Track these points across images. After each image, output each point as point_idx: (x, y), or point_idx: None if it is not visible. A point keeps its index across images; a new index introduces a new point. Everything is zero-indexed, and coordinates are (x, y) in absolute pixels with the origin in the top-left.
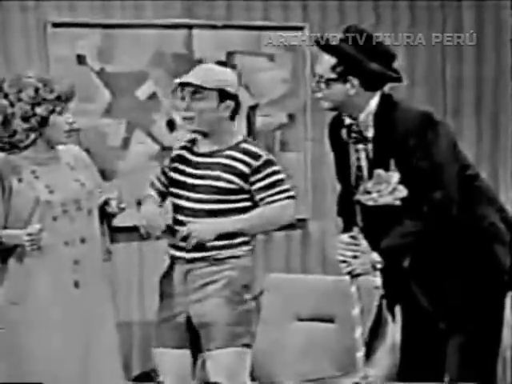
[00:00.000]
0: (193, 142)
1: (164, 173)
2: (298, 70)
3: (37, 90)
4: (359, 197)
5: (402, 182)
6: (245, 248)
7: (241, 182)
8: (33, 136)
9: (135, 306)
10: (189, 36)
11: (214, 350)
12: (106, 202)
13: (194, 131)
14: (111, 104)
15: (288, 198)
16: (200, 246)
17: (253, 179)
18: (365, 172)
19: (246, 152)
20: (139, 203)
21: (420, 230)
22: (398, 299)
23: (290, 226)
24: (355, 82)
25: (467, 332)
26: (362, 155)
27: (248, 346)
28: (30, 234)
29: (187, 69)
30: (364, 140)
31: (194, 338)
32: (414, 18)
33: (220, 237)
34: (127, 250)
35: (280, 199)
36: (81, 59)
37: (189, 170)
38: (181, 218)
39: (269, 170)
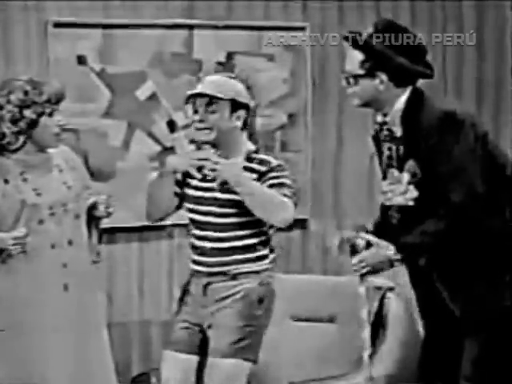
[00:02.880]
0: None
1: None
2: (298, 70)
3: (26, 93)
4: (380, 196)
5: (423, 182)
6: (263, 262)
7: None
8: (22, 139)
9: (135, 307)
10: (189, 36)
11: (214, 358)
12: (94, 205)
13: (206, 142)
14: (111, 104)
15: (287, 196)
16: (219, 262)
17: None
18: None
19: (255, 161)
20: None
21: (440, 229)
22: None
23: (289, 228)
24: (384, 77)
25: (482, 339)
26: (393, 154)
27: (249, 360)
28: (15, 238)
29: (187, 69)
30: (394, 138)
31: (205, 347)
32: (415, 18)
33: (236, 252)
34: (127, 251)
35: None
36: (81, 59)
37: (197, 183)
38: (194, 231)
39: (274, 174)
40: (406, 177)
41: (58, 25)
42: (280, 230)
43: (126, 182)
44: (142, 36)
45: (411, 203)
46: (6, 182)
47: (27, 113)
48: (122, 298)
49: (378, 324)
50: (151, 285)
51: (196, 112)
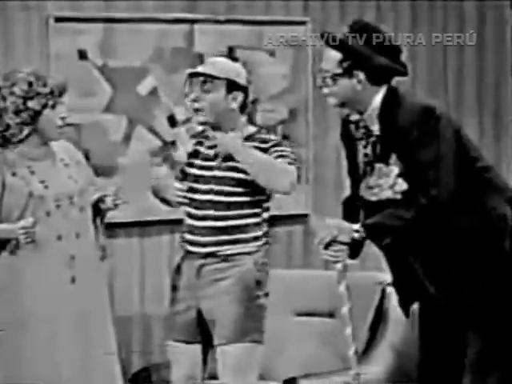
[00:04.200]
0: (205, 135)
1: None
2: (299, 65)
3: (30, 84)
4: (362, 193)
5: (404, 175)
6: (257, 243)
7: None
8: (26, 130)
9: (135, 302)
10: (190, 31)
11: (223, 345)
12: (100, 199)
13: (204, 123)
14: (112, 99)
15: (290, 165)
16: (213, 242)
17: None
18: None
19: (257, 140)
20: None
21: (412, 217)
22: (413, 297)
23: (291, 219)
24: (362, 76)
25: (483, 331)
26: (369, 151)
27: (257, 342)
28: (23, 228)
29: (188, 64)
30: (371, 135)
31: (205, 333)
32: (415, 18)
33: (231, 232)
34: (128, 246)
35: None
36: (82, 54)
37: (200, 162)
38: (192, 211)
39: (277, 148)
40: (395, 170)
41: (59, 19)
42: (282, 224)
43: (127, 177)
44: (143, 31)
45: (399, 196)
46: (14, 175)
47: (31, 104)
48: (123, 292)
49: (379, 319)
50: (152, 280)
51: (193, 91)
